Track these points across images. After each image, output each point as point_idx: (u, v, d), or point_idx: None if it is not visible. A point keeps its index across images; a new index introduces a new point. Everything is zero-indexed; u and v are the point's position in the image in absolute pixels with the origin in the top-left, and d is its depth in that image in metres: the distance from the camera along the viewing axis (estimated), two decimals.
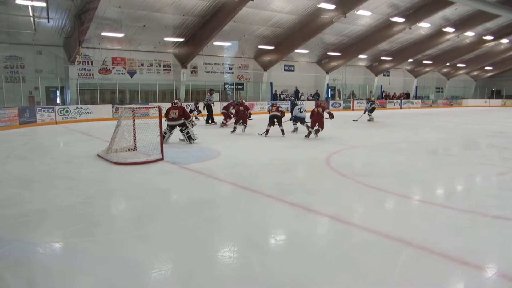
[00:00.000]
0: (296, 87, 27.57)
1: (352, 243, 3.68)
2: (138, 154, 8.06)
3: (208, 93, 17.33)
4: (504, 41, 30.68)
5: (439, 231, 3.97)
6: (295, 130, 12.70)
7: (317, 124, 11.32)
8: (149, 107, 12.92)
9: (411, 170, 7.11)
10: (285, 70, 27.99)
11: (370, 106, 18.26)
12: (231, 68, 25.45)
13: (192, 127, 10.66)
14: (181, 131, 10.24)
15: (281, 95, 26.81)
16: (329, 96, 30.22)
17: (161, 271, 3.14)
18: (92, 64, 20.06)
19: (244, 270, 3.15)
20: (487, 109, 32.40)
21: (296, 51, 25.27)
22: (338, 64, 28.81)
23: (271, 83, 26.55)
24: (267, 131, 11.81)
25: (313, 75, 29.57)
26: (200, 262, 3.27)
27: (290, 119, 12.55)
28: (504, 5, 21.20)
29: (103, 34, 18.38)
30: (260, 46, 24.08)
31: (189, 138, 10.14)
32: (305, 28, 22.13)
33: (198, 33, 20.23)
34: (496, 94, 41.13)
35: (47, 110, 16.56)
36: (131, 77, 21.39)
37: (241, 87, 25.71)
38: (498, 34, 28.75)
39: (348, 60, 28.77)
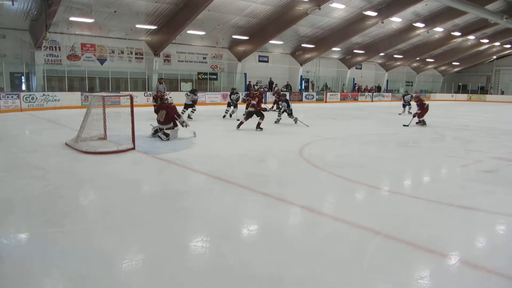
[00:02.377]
0: (270, 78, 27.60)
1: (323, 233, 3.75)
2: (109, 144, 7.87)
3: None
4: (471, 37, 31.75)
5: (407, 220, 4.10)
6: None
7: None
8: (120, 95, 12.62)
9: (381, 161, 7.29)
10: (260, 61, 27.95)
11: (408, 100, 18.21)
12: (205, 58, 25.16)
13: (186, 127, 9.32)
14: (156, 131, 9.23)
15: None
16: (303, 88, 30.43)
17: (132, 262, 3.10)
18: (60, 50, 19.36)
19: (216, 260, 3.16)
20: (454, 103, 33.56)
21: (271, 42, 25.27)
22: (312, 56, 29.02)
23: (245, 74, 26.46)
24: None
25: (287, 66, 29.68)
26: (172, 253, 3.25)
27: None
28: (471, 3, 21.87)
29: (72, 19, 17.74)
30: (234, 36, 23.91)
31: (167, 135, 8.99)
32: (280, 19, 22.12)
33: (171, 21, 19.85)
34: (462, 88, 42.64)
35: (12, 97, 15.90)
36: (101, 64, 20.80)
37: (215, 77, 25.49)
38: (465, 30, 29.71)
39: (322, 53, 29.01)
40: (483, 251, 3.50)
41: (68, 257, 3.11)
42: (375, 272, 2.98)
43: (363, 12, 22.85)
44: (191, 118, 13.12)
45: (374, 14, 22.68)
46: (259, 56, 27.71)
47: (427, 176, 6.45)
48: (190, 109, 13.42)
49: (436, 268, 3.09)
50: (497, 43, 34.92)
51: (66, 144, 7.97)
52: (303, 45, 27.49)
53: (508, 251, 3.43)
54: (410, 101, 17.82)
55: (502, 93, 39.48)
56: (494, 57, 41.30)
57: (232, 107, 14.53)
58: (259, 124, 11.09)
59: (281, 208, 4.51)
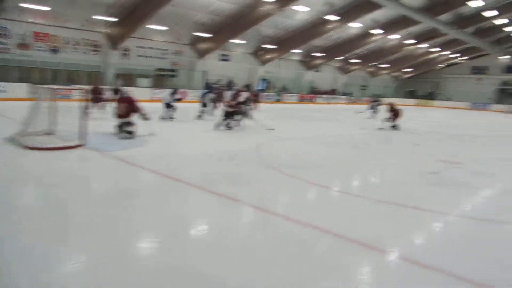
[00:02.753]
0: (230, 78, 27.54)
1: (274, 233, 3.80)
2: (56, 139, 7.53)
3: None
4: (423, 45, 33.34)
5: (355, 219, 4.25)
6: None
7: None
8: (72, 89, 12.09)
9: (334, 162, 7.51)
10: (221, 59, 27.80)
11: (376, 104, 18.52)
12: (165, 54, 24.65)
13: (148, 120, 9.00)
14: (120, 127, 8.63)
15: (214, 85, 26.59)
16: (263, 88, 30.59)
17: (77, 263, 3.00)
18: (9, 37, 18.25)
19: (165, 260, 3.11)
20: (404, 108, 35.06)
21: (233, 41, 25.23)
22: (273, 57, 29.28)
23: (206, 72, 26.18)
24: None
25: (248, 66, 29.75)
26: (119, 253, 3.17)
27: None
28: (425, 13, 23.01)
29: (23, 5, 16.79)
30: (197, 33, 23.64)
31: (129, 133, 8.50)
32: (244, 18, 22.15)
33: (132, 14, 19.28)
34: (412, 94, 44.68)
35: None
36: (55, 54, 19.82)
37: (174, 73, 25.05)
38: (419, 38, 31.16)
39: (282, 54, 29.35)
40: (424, 248, 3.69)
41: (9, 258, 2.95)
42: (324, 270, 3.06)
43: (325, 16, 23.36)
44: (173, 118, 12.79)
45: (335, 18, 23.25)
46: (220, 54, 27.56)
47: (376, 177, 6.72)
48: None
49: (380, 265, 3.23)
50: (447, 52, 36.90)
51: (10, 138, 7.53)
52: (265, 45, 27.68)
53: (449, 248, 3.64)
54: (377, 106, 18.40)
55: (449, 99, 41.76)
56: (443, 65, 43.61)
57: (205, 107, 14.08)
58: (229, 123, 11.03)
59: (233, 207, 4.52)
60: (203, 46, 25.15)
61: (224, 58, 28.06)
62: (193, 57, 25.89)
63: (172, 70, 25.01)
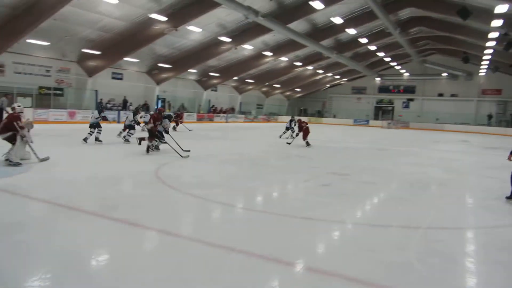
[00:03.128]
0: (124, 97, 26.43)
1: (180, 255, 3.71)
2: None
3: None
4: (310, 67, 36.23)
5: (258, 234, 4.36)
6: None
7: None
8: None
9: (236, 180, 7.65)
10: (113, 78, 26.55)
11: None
12: (48, 71, 22.62)
13: (27, 142, 7.82)
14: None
15: (107, 104, 25.23)
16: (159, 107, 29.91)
17: None
18: None
19: None
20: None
21: (126, 59, 24.35)
22: (169, 76, 28.98)
23: (97, 91, 24.67)
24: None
25: (143, 85, 28.90)
26: None
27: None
28: (310, 37, 25.10)
29: None
30: (85, 50, 22.25)
31: (7, 160, 7.51)
32: (136, 36, 21.55)
33: (7, 26, 17.34)
34: (304, 112, 48.15)
35: None
36: None
37: (60, 92, 23.11)
38: (305, 61, 33.80)
39: (178, 73, 29.24)
40: (323, 255, 3.96)
41: None
42: None
43: (218, 37, 23.98)
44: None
45: (228, 40, 24.03)
46: (112, 72, 26.32)
47: (275, 192, 7.02)
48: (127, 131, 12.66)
49: (284, 277, 3.36)
50: (330, 74, 40.64)
51: None
52: (160, 64, 27.27)
53: (343, 253, 3.95)
54: (294, 126, 18.94)
55: (334, 116, 45.89)
56: (328, 85, 47.92)
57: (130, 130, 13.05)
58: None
59: (135, 233, 4.30)
60: (92, 63, 23.75)
61: (117, 77, 26.87)
62: (82, 75, 24.24)
63: (59, 89, 23.03)
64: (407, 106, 44.41)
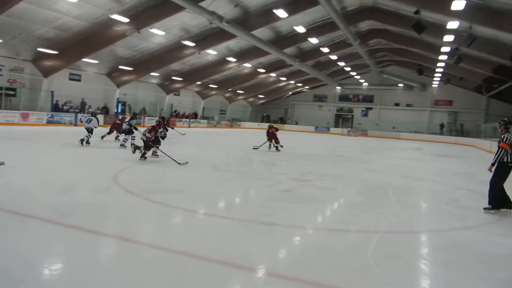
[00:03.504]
0: (82, 99, 25.55)
1: (140, 262, 3.60)
2: None
3: None
4: (273, 74, 36.66)
5: (220, 241, 4.32)
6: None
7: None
8: None
9: (197, 185, 7.56)
10: (71, 79, 25.59)
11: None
12: (0, 70, 21.46)
13: None
14: None
15: (64, 106, 24.27)
16: (119, 110, 29.16)
17: None
18: None
19: None
20: (259, 131, 37.66)
21: (85, 60, 23.56)
22: (130, 79, 28.34)
23: (53, 92, 23.67)
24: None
25: (102, 87, 28.05)
26: None
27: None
28: (273, 45, 25.42)
29: None
30: (40, 49, 21.30)
31: None
32: (96, 37, 20.93)
33: None
34: (266, 118, 48.59)
35: None
36: None
37: (13, 93, 21.96)
38: (268, 68, 34.19)
39: (140, 76, 28.66)
40: (284, 261, 3.97)
41: None
42: None
43: (182, 41, 23.75)
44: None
45: (192, 44, 23.86)
46: (70, 73, 25.38)
47: (237, 198, 7.00)
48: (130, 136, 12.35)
49: (246, 283, 3.34)
50: (292, 81, 41.31)
51: None
52: (121, 66, 26.60)
53: (304, 258, 3.99)
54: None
55: (296, 123, 46.63)
56: (290, 92, 48.67)
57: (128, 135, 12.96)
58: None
59: (92, 239, 4.13)
60: (48, 63, 22.77)
61: (75, 78, 25.93)
62: (37, 75, 23.16)
63: (12, 89, 21.86)
64: (366, 115, 45.92)
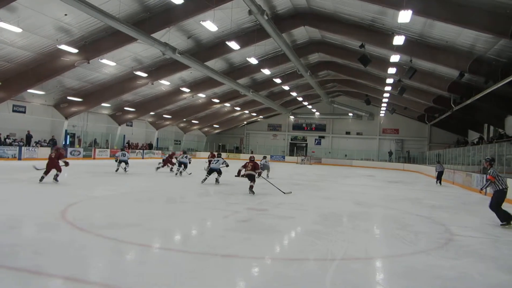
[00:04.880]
0: (28, 131, 24.22)
1: None
2: None
3: None
4: (227, 104, 36.99)
5: (177, 275, 4.17)
6: None
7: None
8: None
9: (152, 218, 7.29)
10: (14, 111, 24.27)
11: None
12: None
13: None
14: None
15: (6, 140, 22.86)
16: (68, 143, 27.89)
17: None
18: None
19: None
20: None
21: (30, 91, 22.52)
22: (79, 110, 27.37)
23: None
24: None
25: (49, 119, 26.82)
26: None
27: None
28: (227, 76, 25.78)
29: None
30: None
31: None
32: (42, 67, 20.15)
33: None
34: (222, 148, 48.53)
35: None
36: None
37: None
38: (222, 98, 34.49)
39: (90, 107, 27.81)
40: None
41: None
42: None
43: (134, 72, 23.47)
44: None
45: (144, 75, 23.63)
46: (14, 105, 24.07)
47: (194, 230, 6.82)
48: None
49: None
50: (247, 111, 41.84)
51: None
52: (69, 97, 25.68)
53: None
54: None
55: (252, 152, 46.90)
56: (245, 122, 49.19)
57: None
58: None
59: (38, 282, 3.83)
60: None
61: (19, 110, 24.62)
62: None
63: None
64: (319, 143, 47.22)
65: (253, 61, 22.85)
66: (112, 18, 14.45)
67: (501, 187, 7.93)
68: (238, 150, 48.53)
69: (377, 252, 5.77)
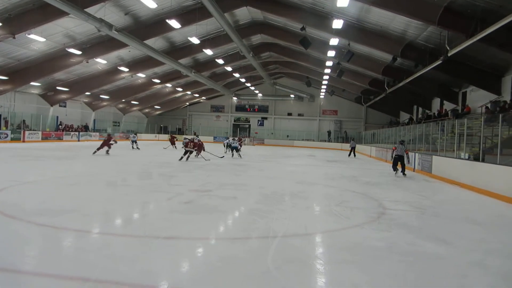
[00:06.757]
0: None
1: None
2: None
3: None
4: (168, 85, 36.01)
5: (118, 260, 4.07)
6: None
7: None
8: None
9: (91, 203, 7.01)
10: None
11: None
12: None
13: None
14: None
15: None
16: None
17: None
18: None
19: None
20: (157, 143, 36.58)
21: None
22: (5, 90, 25.20)
23: None
24: None
25: None
26: None
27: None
28: (168, 55, 25.01)
29: None
30: None
31: None
32: None
33: None
34: (164, 129, 47.46)
35: None
36: None
37: None
38: (164, 79, 33.50)
39: (17, 86, 25.70)
40: (188, 275, 3.91)
41: None
42: None
43: (67, 49, 21.98)
44: None
45: (78, 52, 22.21)
46: None
47: (136, 213, 6.66)
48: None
49: None
50: (189, 92, 41.07)
51: None
52: None
53: (209, 271, 3.96)
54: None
55: (195, 134, 46.35)
56: (187, 103, 48.31)
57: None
58: None
59: None
60: None
61: None
62: None
63: None
64: (261, 124, 47.77)
65: (195, 40, 22.35)
66: None
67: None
68: (181, 131, 47.69)
69: (316, 228, 6.04)
